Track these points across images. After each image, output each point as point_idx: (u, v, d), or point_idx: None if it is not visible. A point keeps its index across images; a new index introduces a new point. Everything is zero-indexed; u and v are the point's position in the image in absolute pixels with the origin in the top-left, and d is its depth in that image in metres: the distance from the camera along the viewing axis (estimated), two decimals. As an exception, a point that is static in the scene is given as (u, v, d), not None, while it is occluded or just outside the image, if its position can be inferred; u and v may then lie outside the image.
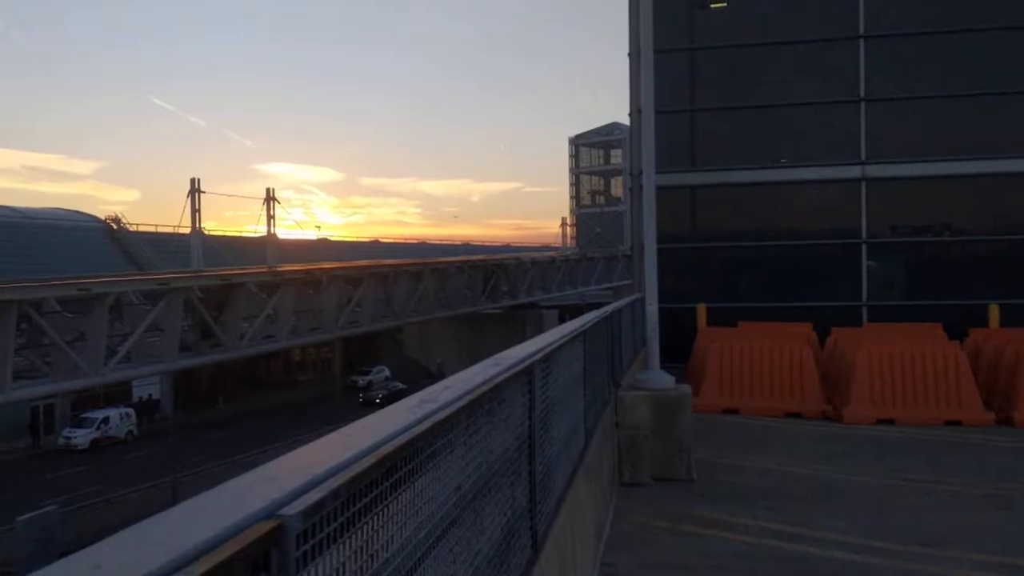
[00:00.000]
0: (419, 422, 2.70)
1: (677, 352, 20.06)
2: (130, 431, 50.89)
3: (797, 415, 17.48)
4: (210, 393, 61.32)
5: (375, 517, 2.20)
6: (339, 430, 2.56)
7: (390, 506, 2.32)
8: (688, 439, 12.49)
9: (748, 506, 10.93)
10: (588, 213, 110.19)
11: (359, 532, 2.08)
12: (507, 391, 4.13)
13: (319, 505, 1.83)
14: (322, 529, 1.85)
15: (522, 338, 6.04)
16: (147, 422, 52.85)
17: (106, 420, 49.71)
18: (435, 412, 2.89)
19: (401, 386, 60.05)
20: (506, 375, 4.12)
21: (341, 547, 1.97)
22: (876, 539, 9.44)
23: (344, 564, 1.99)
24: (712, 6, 24.26)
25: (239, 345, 34.14)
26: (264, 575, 1.61)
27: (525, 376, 4.67)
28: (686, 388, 13.34)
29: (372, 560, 2.18)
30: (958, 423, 16.35)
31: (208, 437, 48.46)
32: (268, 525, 1.63)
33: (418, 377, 58.91)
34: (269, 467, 2.06)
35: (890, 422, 16.54)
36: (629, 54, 23.70)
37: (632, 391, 12.71)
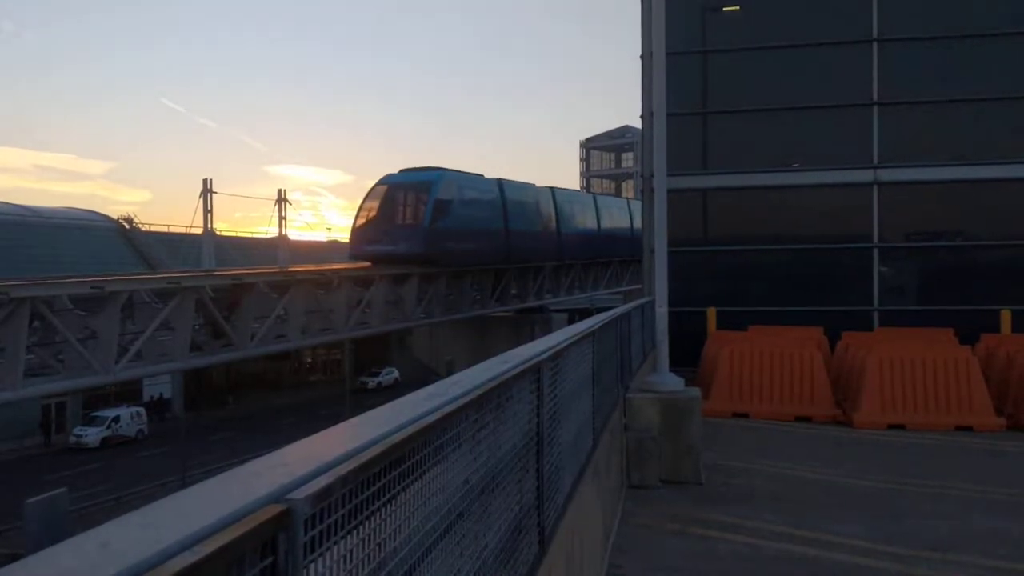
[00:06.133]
0: (428, 414, 2.72)
1: (687, 356, 20.03)
2: (140, 430, 51.07)
3: (807, 419, 17.42)
4: (220, 393, 61.53)
5: (383, 506, 2.21)
6: (348, 420, 2.57)
7: (398, 495, 2.32)
8: (697, 442, 12.47)
9: (756, 509, 10.91)
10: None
11: (367, 520, 2.09)
12: (515, 388, 4.14)
13: (327, 491, 1.83)
14: (330, 515, 1.86)
15: (531, 341, 6.06)
16: (157, 421, 53.05)
17: (117, 419, 49.88)
18: (444, 405, 2.90)
19: None
20: (514, 372, 4.13)
21: (349, 534, 1.97)
22: (885, 543, 9.40)
23: (352, 551, 2.00)
24: (725, 9, 24.24)
25: (250, 345, 34.18)
26: (272, 559, 1.62)
27: (533, 374, 4.67)
28: (695, 391, 13.32)
29: (380, 548, 2.18)
30: (969, 429, 16.28)
31: (218, 437, 48.60)
32: (276, 509, 1.63)
33: (427, 379, 58.26)
34: (278, 453, 2.07)
35: (900, 427, 16.47)
36: (641, 57, 23.72)
37: (641, 393, 12.70)
